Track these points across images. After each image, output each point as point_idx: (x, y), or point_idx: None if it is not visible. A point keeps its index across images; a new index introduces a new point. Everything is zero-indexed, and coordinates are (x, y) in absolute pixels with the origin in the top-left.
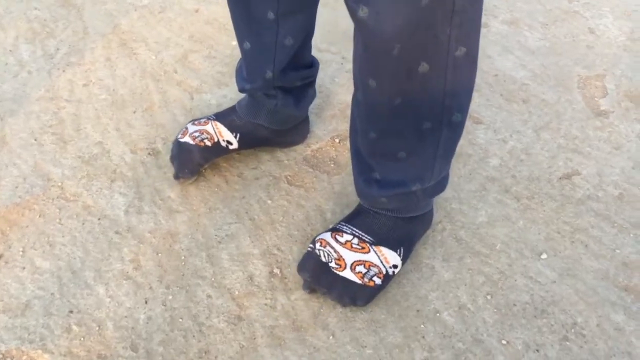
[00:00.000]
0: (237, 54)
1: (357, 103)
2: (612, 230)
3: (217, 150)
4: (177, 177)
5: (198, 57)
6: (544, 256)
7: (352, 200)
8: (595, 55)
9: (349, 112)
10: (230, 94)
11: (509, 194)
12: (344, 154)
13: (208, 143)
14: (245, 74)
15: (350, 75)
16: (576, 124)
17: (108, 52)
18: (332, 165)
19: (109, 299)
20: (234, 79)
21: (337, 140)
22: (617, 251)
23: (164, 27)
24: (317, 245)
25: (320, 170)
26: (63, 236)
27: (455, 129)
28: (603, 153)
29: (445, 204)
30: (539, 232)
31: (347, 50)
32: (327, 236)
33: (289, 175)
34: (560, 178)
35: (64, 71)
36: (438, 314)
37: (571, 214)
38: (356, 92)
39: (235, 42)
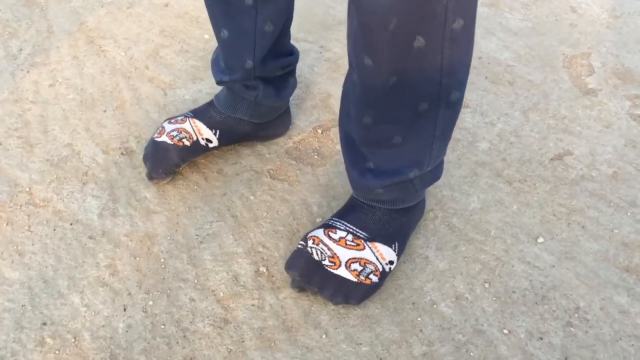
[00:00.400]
0: (211, 48)
1: (350, 87)
2: (608, 210)
3: (196, 150)
4: (150, 177)
5: (170, 52)
6: (540, 240)
7: (339, 192)
8: (579, 33)
9: (330, 102)
10: (205, 89)
11: (501, 178)
12: (328, 145)
13: (187, 143)
14: (224, 64)
15: (330, 64)
16: (564, 103)
17: (75, 50)
18: (316, 156)
19: (84, 308)
20: (208, 73)
21: (319, 131)
22: (616, 231)
23: (132, 22)
24: (310, 242)
25: (303, 162)
26: (33, 244)
27: (453, 108)
28: (594, 132)
29: (435, 191)
30: (533, 216)
31: (325, 38)
32: (320, 233)
33: (272, 169)
34: (552, 159)
35: (28, 72)
36: (435, 306)
37: (566, 195)
38: (350, 75)
39: (208, 36)
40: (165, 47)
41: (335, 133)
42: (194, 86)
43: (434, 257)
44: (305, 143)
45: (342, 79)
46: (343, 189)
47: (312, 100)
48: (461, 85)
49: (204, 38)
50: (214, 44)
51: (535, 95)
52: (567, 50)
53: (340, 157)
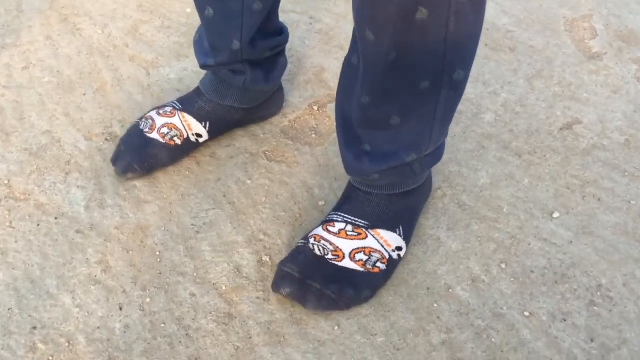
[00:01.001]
0: (194, 22)
1: (350, 65)
2: (623, 180)
3: (187, 148)
4: (126, 170)
5: (150, 28)
6: (556, 215)
7: (341, 173)
8: None
9: (324, 76)
10: (191, 67)
11: (509, 151)
12: (325, 123)
13: (178, 142)
14: (208, 46)
15: (321, 36)
16: (569, 69)
17: (48, 30)
18: (314, 135)
19: (77, 309)
20: (192, 50)
21: (315, 108)
22: (633, 202)
23: None
24: (311, 240)
25: (301, 142)
26: (16, 241)
27: (456, 88)
28: (602, 98)
29: (442, 167)
30: (547, 190)
31: (314, 9)
32: (319, 230)
33: (268, 151)
34: (560, 129)
35: None
36: (451, 290)
37: (578, 167)
38: (352, 52)
39: (190, 9)
40: (145, 23)
41: (332, 109)
42: (178, 64)
43: (445, 238)
44: (301, 121)
45: (335, 52)
46: (344, 170)
47: (305, 75)
48: (466, 64)
49: (186, 12)
50: (197, 18)
51: (538, 62)
52: (568, 13)
53: None
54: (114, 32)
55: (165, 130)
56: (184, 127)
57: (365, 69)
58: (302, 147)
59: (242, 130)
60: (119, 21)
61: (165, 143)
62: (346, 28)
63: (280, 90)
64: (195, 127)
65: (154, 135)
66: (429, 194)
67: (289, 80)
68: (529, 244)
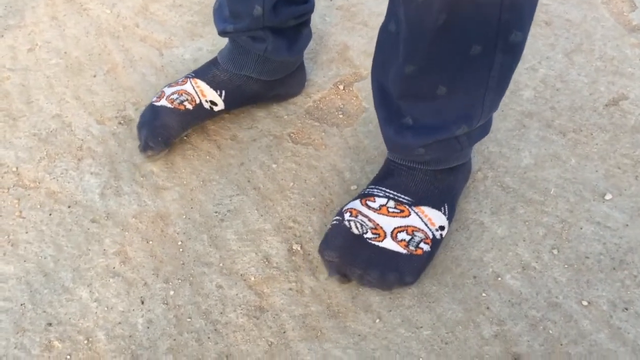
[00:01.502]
0: (207, 1)
1: (389, 33)
2: None
3: (200, 114)
4: (145, 148)
5: (161, 7)
6: (608, 197)
7: (372, 154)
8: None
9: (349, 54)
10: (206, 46)
11: (552, 129)
12: (352, 102)
13: (189, 106)
14: (228, 12)
15: (343, 13)
16: (610, 43)
17: (53, 10)
18: (341, 115)
19: (95, 304)
20: (207, 29)
21: (341, 87)
22: None
23: None
24: (347, 215)
25: (327, 123)
26: (27, 232)
27: (512, 52)
28: None
29: (481, 147)
30: (596, 170)
31: None
32: (357, 204)
33: (293, 133)
34: (606, 105)
35: (2, 36)
36: (499, 278)
37: (628, 145)
38: (392, 18)
39: None
40: (155, 1)
41: (359, 88)
42: (192, 44)
43: (490, 223)
44: (326, 101)
45: (359, 28)
46: (377, 151)
47: (328, 53)
48: (524, 25)
49: None
50: None
51: (576, 36)
52: None
53: (369, 115)
54: (123, 12)
55: (174, 96)
56: (196, 93)
57: (409, 35)
58: (329, 128)
59: (263, 111)
60: (128, 0)
61: (174, 108)
62: (369, 4)
63: (302, 68)
64: (209, 94)
65: (162, 102)
66: (469, 174)
67: (311, 58)
68: (581, 228)
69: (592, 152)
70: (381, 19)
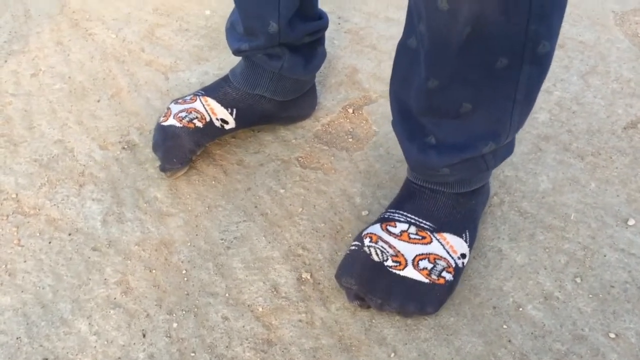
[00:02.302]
0: (214, 25)
1: (407, 48)
2: None
3: (211, 132)
4: (163, 169)
5: (167, 31)
6: (631, 222)
7: (383, 179)
8: None
9: (358, 77)
10: (212, 70)
11: (570, 153)
12: (362, 126)
13: (199, 124)
14: (242, 29)
15: (352, 36)
16: (626, 65)
17: (58, 35)
18: (351, 139)
19: (94, 337)
20: (214, 53)
21: (350, 111)
22: None
23: (121, 1)
24: (367, 241)
25: (337, 147)
26: (25, 261)
27: (541, 63)
28: None
29: (497, 172)
30: (617, 194)
31: (341, 8)
32: (377, 229)
33: (301, 157)
34: (624, 128)
35: (5, 61)
36: (521, 309)
37: None
38: (412, 31)
39: (209, 11)
40: (162, 26)
41: (369, 112)
42: (199, 67)
43: (508, 250)
44: (335, 125)
45: (367, 52)
46: (388, 175)
47: (336, 76)
48: (553, 34)
49: (205, 14)
50: (217, 20)
51: (591, 58)
52: (616, 7)
53: (379, 139)
54: (128, 36)
55: (182, 114)
56: (206, 111)
57: (432, 48)
58: (338, 152)
59: (271, 135)
60: (134, 25)
61: (183, 126)
62: (378, 27)
63: (313, 90)
64: (219, 112)
65: (170, 121)
66: (488, 197)
67: (320, 82)
68: (605, 255)
69: (612, 176)
70: (391, 42)
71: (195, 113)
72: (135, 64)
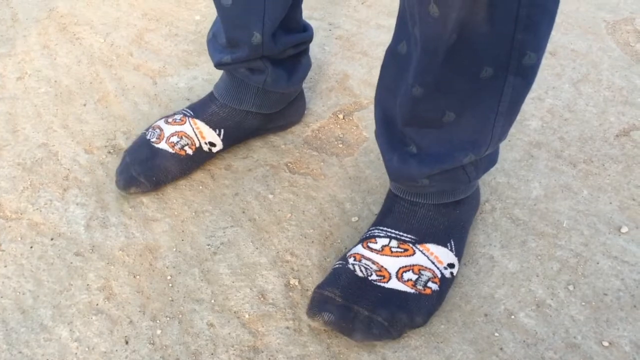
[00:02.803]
0: (204, 30)
1: (395, 54)
2: None
3: (199, 159)
4: (130, 182)
5: (156, 36)
6: (624, 229)
7: (374, 185)
8: None
9: (349, 83)
10: (201, 75)
11: (562, 160)
12: (352, 132)
13: (189, 151)
14: (225, 40)
15: (342, 42)
16: (618, 73)
17: (45, 39)
18: (341, 145)
19: (75, 344)
20: (203, 58)
21: (340, 116)
22: None
23: (110, 6)
24: (350, 260)
25: (326, 152)
26: (5, 266)
27: (525, 75)
28: None
29: (488, 178)
30: (610, 202)
31: (332, 15)
32: (359, 249)
33: (290, 162)
34: (617, 135)
35: None
36: (513, 317)
37: None
38: (401, 36)
39: (199, 17)
40: (151, 31)
41: (359, 117)
42: (187, 72)
43: (500, 257)
44: (325, 131)
45: (358, 58)
46: (378, 181)
47: (327, 82)
48: (539, 45)
49: (195, 19)
50: (206, 25)
51: (583, 66)
52: (608, 16)
53: (369, 145)
54: (117, 41)
55: (174, 139)
56: (196, 135)
57: (422, 54)
58: (328, 158)
59: (259, 141)
60: (122, 30)
61: (175, 153)
62: (369, 34)
63: (301, 96)
64: (208, 135)
65: (162, 145)
66: (477, 206)
67: (310, 87)
68: (597, 263)
69: (604, 183)
70: (382, 49)
71: (186, 139)
72: (123, 68)
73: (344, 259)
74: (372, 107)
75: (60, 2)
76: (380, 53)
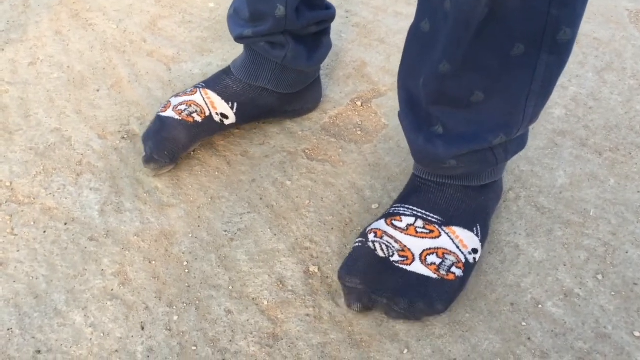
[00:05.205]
0: (218, 17)
1: (419, 31)
2: None
3: (210, 128)
4: (149, 160)
5: (170, 23)
6: None
7: (394, 172)
8: None
9: (367, 70)
10: (216, 61)
11: (588, 148)
12: (371, 119)
13: (198, 118)
14: (248, 14)
15: (360, 30)
16: None
17: (57, 25)
18: (359, 132)
19: (90, 329)
20: (218, 44)
21: (358, 103)
22: None
23: None
24: (371, 236)
25: (345, 139)
26: (18, 250)
27: (560, 52)
28: None
29: (512, 166)
30: (637, 190)
31: (349, 2)
32: (381, 224)
33: (308, 149)
34: None
35: (2, 50)
36: (540, 306)
37: None
38: (424, 12)
39: (213, 4)
40: (164, 18)
41: (378, 105)
42: (202, 59)
43: (526, 245)
44: (343, 117)
45: (376, 45)
46: (399, 169)
47: (344, 69)
48: (575, 20)
49: (209, 7)
50: (220, 12)
51: (606, 54)
52: (630, 5)
53: (389, 132)
54: (130, 27)
55: (182, 107)
56: (206, 104)
57: (452, 27)
58: (347, 144)
59: (276, 127)
60: (136, 16)
61: (182, 119)
62: (386, 21)
63: (317, 83)
64: (220, 106)
65: (168, 112)
66: (501, 194)
67: (327, 74)
68: (627, 252)
69: (632, 172)
70: (400, 36)
71: (194, 106)
72: (137, 54)
73: (364, 234)
74: (390, 94)
75: None
76: (398, 40)
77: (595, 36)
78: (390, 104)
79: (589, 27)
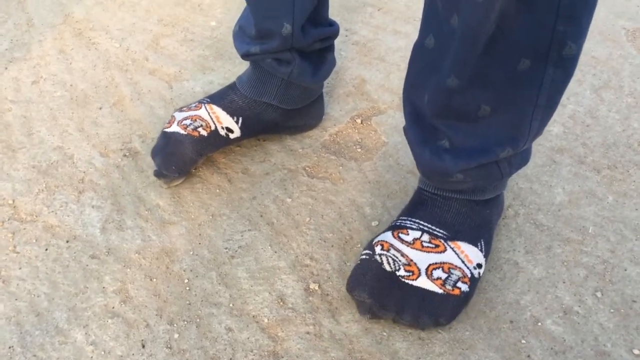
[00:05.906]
0: (219, 36)
1: (423, 48)
2: None
3: (215, 142)
4: (159, 175)
5: (172, 41)
6: None
7: (394, 189)
8: (636, 6)
9: (366, 88)
10: (217, 79)
11: (586, 166)
12: (371, 136)
13: (203, 132)
14: (254, 32)
15: (359, 48)
16: (639, 80)
17: (60, 44)
18: (359, 150)
19: (91, 347)
20: (219, 63)
21: (358, 121)
22: None
23: (126, 12)
24: (378, 249)
25: (345, 157)
26: (20, 268)
27: (565, 67)
28: None
29: (510, 183)
30: (635, 208)
31: (349, 21)
32: (388, 236)
33: (308, 167)
34: None
35: (6, 68)
36: (539, 324)
37: None
38: (428, 29)
39: (215, 22)
40: (166, 36)
41: (377, 122)
42: (204, 77)
43: (525, 263)
44: (343, 135)
45: (376, 63)
46: (398, 186)
47: (344, 87)
48: (580, 36)
49: (210, 25)
50: (222, 31)
51: (604, 73)
52: (627, 23)
53: (388, 149)
54: (132, 46)
55: (187, 121)
56: (212, 119)
57: (460, 44)
58: (347, 162)
59: (277, 145)
60: (138, 35)
61: (187, 134)
62: (385, 40)
63: (320, 100)
64: (225, 121)
65: (174, 128)
66: (502, 210)
67: (327, 92)
68: (625, 270)
69: (630, 189)
70: (399, 54)
71: (200, 121)
72: (139, 72)
73: (371, 247)
74: (390, 112)
75: (75, 7)
76: (397, 58)
77: (593, 54)
78: (389, 121)
79: (586, 45)
